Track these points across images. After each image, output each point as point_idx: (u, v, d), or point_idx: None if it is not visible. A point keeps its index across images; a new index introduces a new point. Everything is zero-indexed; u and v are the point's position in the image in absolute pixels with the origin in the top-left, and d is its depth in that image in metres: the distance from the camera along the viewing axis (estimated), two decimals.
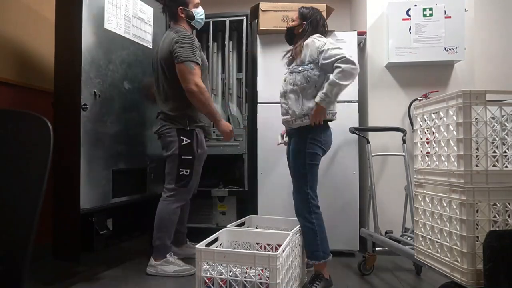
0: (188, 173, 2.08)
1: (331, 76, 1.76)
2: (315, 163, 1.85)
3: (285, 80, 1.95)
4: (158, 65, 2.12)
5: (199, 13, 2.19)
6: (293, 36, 1.99)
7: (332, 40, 1.88)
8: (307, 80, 1.84)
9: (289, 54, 2.02)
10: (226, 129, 2.16)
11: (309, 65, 1.85)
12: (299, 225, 1.83)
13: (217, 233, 1.69)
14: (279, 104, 1.98)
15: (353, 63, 1.73)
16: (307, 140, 1.84)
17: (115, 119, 2.16)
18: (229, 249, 1.56)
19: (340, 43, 2.51)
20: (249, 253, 1.51)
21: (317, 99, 1.78)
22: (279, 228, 1.96)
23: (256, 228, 2.01)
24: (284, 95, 1.93)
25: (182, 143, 2.07)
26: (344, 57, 1.74)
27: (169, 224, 2.09)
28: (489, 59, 2.82)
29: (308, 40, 1.88)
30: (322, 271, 1.86)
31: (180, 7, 2.13)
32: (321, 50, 1.80)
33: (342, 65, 1.72)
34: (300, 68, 1.87)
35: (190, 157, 2.08)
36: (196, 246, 1.50)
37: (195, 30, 2.30)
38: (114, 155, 2.15)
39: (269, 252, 1.60)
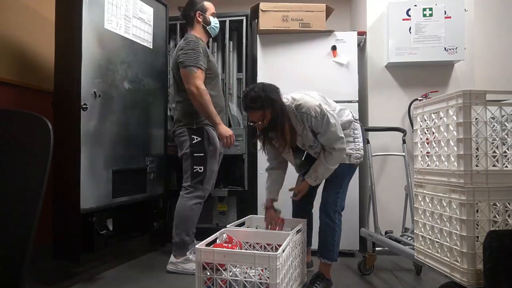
0: (202, 170, 2.14)
1: (325, 160, 1.77)
2: (351, 176, 1.93)
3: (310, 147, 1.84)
4: (172, 72, 2.26)
5: (214, 20, 2.30)
6: (277, 122, 1.71)
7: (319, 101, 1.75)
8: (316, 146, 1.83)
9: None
10: (224, 133, 2.11)
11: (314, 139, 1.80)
12: (299, 225, 1.83)
13: (217, 233, 1.69)
14: None
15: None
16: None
17: (115, 119, 2.16)
18: (229, 249, 1.56)
19: (340, 43, 2.51)
20: (249, 253, 1.51)
21: (308, 178, 1.83)
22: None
23: (256, 228, 2.01)
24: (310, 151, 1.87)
25: (193, 141, 2.14)
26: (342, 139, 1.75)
27: (187, 220, 2.13)
28: (489, 59, 2.82)
29: (301, 115, 1.72)
30: (325, 272, 1.86)
31: (198, 12, 2.23)
32: (318, 119, 1.71)
33: (334, 152, 1.74)
34: (312, 144, 1.81)
35: (202, 154, 2.14)
36: (196, 246, 1.50)
37: (210, 38, 2.42)
38: (114, 155, 2.15)
39: (269, 252, 1.60)
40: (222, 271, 1.49)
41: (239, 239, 1.75)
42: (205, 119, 2.16)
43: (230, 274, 1.45)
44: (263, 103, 1.67)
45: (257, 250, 1.75)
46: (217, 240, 1.65)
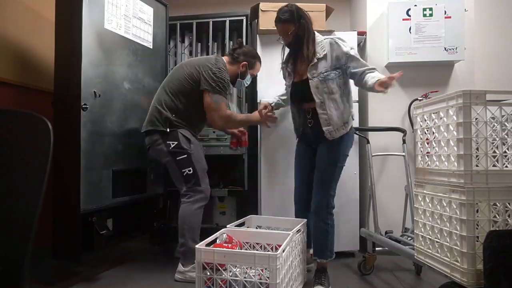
0: (192, 171, 2.03)
1: (376, 73, 1.80)
2: (344, 165, 1.93)
3: (317, 87, 1.82)
4: (181, 76, 2.10)
5: (249, 79, 2.31)
6: (300, 41, 1.85)
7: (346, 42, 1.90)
8: (340, 87, 1.85)
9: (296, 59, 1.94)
10: (256, 119, 2.17)
11: (338, 71, 1.84)
12: (299, 225, 1.83)
13: (217, 233, 1.69)
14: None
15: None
16: (348, 145, 1.91)
17: (115, 119, 2.16)
18: (229, 249, 1.56)
19: None
20: (249, 253, 1.51)
21: (376, 78, 1.74)
22: (279, 228, 1.96)
23: (256, 228, 2.01)
24: (321, 105, 1.83)
25: (170, 148, 2.03)
26: (374, 68, 1.85)
27: (193, 226, 2.01)
28: (489, 59, 2.82)
29: (330, 41, 1.86)
30: (325, 266, 1.92)
31: (245, 63, 2.21)
32: (349, 55, 1.84)
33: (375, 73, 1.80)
34: (332, 75, 1.83)
35: (185, 156, 2.03)
36: (196, 246, 1.50)
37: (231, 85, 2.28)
38: (114, 155, 2.15)
39: (269, 252, 1.60)
40: (222, 271, 1.49)
41: (239, 239, 1.75)
42: (178, 124, 2.06)
43: (230, 274, 1.45)
44: (292, 16, 1.81)
45: (257, 250, 1.75)
46: (217, 240, 1.65)
